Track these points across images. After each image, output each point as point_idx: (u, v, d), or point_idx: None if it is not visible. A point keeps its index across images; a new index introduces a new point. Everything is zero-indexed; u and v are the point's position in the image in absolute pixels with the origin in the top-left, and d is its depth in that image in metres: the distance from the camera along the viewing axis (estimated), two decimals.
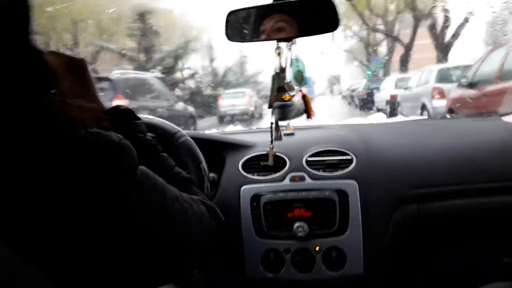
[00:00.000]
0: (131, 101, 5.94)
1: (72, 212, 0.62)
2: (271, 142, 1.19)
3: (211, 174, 1.15)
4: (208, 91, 16.66)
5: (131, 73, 8.24)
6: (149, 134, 1.11)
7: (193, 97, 13.93)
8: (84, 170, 0.62)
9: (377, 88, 13.33)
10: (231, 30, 1.10)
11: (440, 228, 1.28)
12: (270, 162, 1.22)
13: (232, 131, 2.01)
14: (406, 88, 9.35)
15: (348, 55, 27.69)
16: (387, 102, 10.98)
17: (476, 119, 2.15)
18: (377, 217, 1.22)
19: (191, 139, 1.09)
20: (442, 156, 1.32)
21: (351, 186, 1.21)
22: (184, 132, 1.11)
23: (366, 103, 14.38)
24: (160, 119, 1.12)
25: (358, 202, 1.19)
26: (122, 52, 13.11)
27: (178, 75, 14.56)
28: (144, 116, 1.13)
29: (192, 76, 15.60)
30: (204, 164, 1.07)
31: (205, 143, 1.22)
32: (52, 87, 0.64)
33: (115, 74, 7.07)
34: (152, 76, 8.68)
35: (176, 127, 1.11)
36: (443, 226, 1.28)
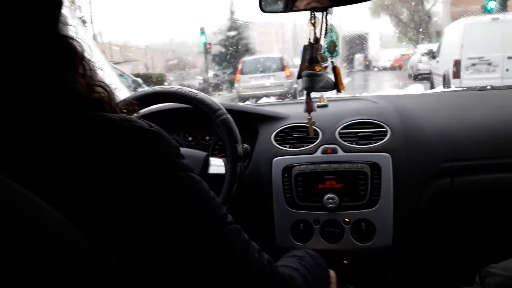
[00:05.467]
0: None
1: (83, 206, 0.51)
2: (309, 113, 1.18)
3: (245, 145, 1.17)
4: None
5: None
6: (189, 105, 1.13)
7: None
8: (104, 158, 0.52)
9: None
10: (265, 0, 1.09)
11: (474, 202, 1.26)
12: (311, 133, 1.20)
13: (265, 103, 2.01)
14: None
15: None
16: None
17: None
18: (409, 191, 1.21)
19: (231, 118, 1.10)
20: (480, 129, 1.28)
21: (384, 159, 1.20)
22: (225, 110, 1.12)
23: None
24: (204, 94, 1.14)
25: (390, 175, 1.19)
26: None
27: None
28: (189, 89, 1.15)
29: None
30: (240, 145, 1.09)
31: (239, 114, 1.23)
32: (76, 69, 0.58)
33: None
34: None
35: (219, 104, 1.12)
36: (477, 200, 1.26)
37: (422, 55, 11.20)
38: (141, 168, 0.53)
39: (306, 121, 1.19)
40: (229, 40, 14.75)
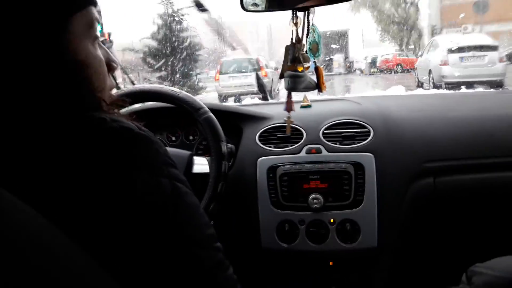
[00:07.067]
0: None
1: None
2: (288, 112, 1.18)
3: (229, 145, 1.16)
4: None
5: None
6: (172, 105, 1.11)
7: None
8: (88, 157, 0.50)
9: None
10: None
11: (456, 202, 1.28)
12: (288, 131, 1.21)
13: (250, 103, 2.01)
14: None
15: None
16: None
17: (498, 92, 2.09)
18: (393, 190, 1.22)
19: (214, 117, 1.09)
20: (461, 130, 1.30)
21: (368, 159, 1.21)
22: (207, 108, 1.10)
23: None
24: (186, 93, 1.12)
25: (374, 175, 1.19)
26: None
27: None
28: (170, 88, 1.13)
29: None
30: (224, 143, 1.07)
31: (223, 114, 1.22)
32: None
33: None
34: None
35: (201, 103, 1.11)
36: (459, 200, 1.27)
37: (450, 52, 7.39)
38: (122, 170, 0.51)
39: (285, 119, 1.18)
40: (161, 33, 11.27)
